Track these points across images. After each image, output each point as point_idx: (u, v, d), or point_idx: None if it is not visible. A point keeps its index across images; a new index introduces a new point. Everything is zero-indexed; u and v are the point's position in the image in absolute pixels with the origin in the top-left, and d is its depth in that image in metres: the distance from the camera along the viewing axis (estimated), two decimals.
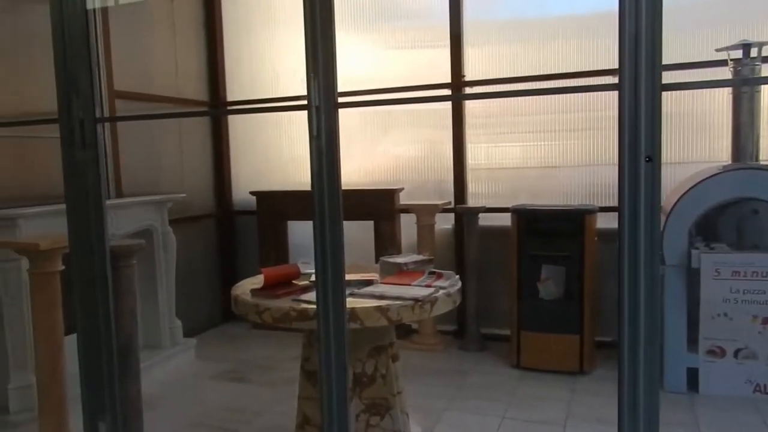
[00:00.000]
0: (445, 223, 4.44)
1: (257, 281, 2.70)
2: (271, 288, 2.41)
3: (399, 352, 2.68)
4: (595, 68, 3.95)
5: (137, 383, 2.62)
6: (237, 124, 5.06)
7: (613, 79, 3.88)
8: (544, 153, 4.22)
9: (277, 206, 4.77)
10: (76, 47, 2.17)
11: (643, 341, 1.67)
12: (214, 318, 4.95)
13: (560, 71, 4.02)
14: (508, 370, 3.73)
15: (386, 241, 4.42)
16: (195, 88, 4.79)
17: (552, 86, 3.98)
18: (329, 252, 1.98)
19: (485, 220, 4.18)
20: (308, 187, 4.93)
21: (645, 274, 1.66)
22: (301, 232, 4.94)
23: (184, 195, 4.22)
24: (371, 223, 4.54)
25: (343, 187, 4.80)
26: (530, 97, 4.23)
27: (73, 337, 2.82)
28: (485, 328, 4.19)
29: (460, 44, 4.26)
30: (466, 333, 4.14)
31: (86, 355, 2.33)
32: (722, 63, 3.40)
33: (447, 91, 4.30)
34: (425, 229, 4.17)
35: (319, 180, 1.96)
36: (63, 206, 3.23)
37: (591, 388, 3.42)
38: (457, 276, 2.65)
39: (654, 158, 1.58)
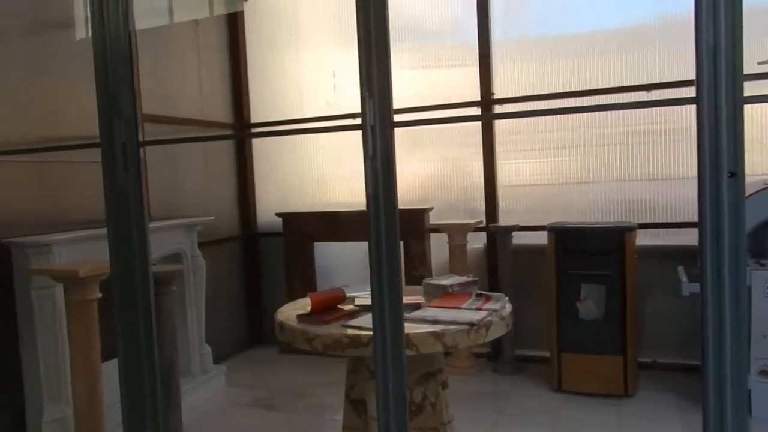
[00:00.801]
0: (475, 242, 4.36)
1: (299, 306, 2.63)
2: (318, 314, 2.33)
3: (448, 378, 2.59)
4: (635, 83, 3.89)
5: (178, 413, 2.54)
6: (261, 145, 5.02)
7: (647, 95, 3.85)
8: (577, 169, 4.15)
9: (304, 228, 4.71)
10: (118, 69, 2.13)
11: (730, 366, 1.58)
12: (241, 342, 4.87)
13: (599, 86, 3.95)
14: (548, 393, 3.62)
15: (416, 261, 4.34)
16: (220, 110, 4.76)
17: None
18: (386, 276, 1.90)
19: (518, 238, 4.10)
20: (334, 208, 4.90)
21: (730, 294, 1.57)
22: (327, 254, 4.87)
23: (212, 218, 4.17)
24: (400, 243, 4.46)
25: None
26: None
27: (108, 364, 2.76)
28: (519, 350, 4.08)
29: (489, 62, 4.22)
30: (501, 355, 4.04)
31: (128, 384, 2.25)
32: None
33: (476, 110, 4.25)
34: (457, 248, 4.09)
35: (375, 201, 1.88)
36: (96, 231, 3.20)
37: (638, 412, 3.30)
38: (506, 298, 2.56)
39: (737, 173, 1.51)
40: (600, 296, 3.60)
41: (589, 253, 3.58)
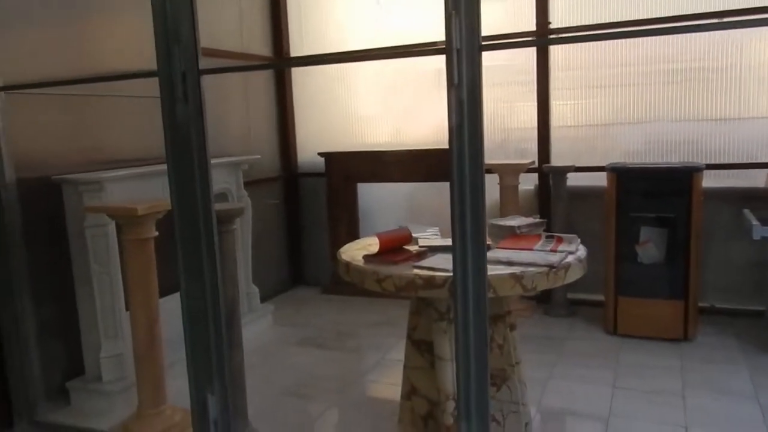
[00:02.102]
0: (526, 183, 4.21)
1: (361, 246, 2.54)
2: (386, 254, 2.24)
3: (516, 320, 2.50)
4: (699, 11, 3.62)
5: (240, 352, 2.51)
6: (301, 82, 4.85)
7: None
8: (636, 108, 3.94)
9: (347, 168, 4.59)
10: None
11: None
12: (284, 283, 4.85)
13: (665, 15, 3.69)
14: (604, 337, 3.54)
15: None
16: (259, 44, 4.58)
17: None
18: (469, 214, 1.79)
19: (572, 179, 3.94)
20: (378, 148, 4.73)
21: None
22: (369, 195, 4.77)
23: (258, 156, 4.07)
24: (447, 184, 4.33)
25: (418, 147, 4.59)
26: (620, 47, 3.93)
27: (164, 300, 2.73)
28: (571, 293, 3.99)
29: None
30: (553, 298, 3.95)
31: (192, 324, 2.20)
32: None
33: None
34: (508, 190, 3.95)
35: (459, 134, 1.75)
36: (147, 169, 3.12)
37: (700, 355, 3.22)
38: (579, 239, 2.44)
39: None
40: (661, 239, 3.47)
41: (653, 194, 3.43)
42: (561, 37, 3.96)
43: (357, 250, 2.45)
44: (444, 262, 2.14)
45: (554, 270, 2.07)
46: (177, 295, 2.97)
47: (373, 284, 2.14)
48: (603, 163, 3.83)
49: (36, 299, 2.82)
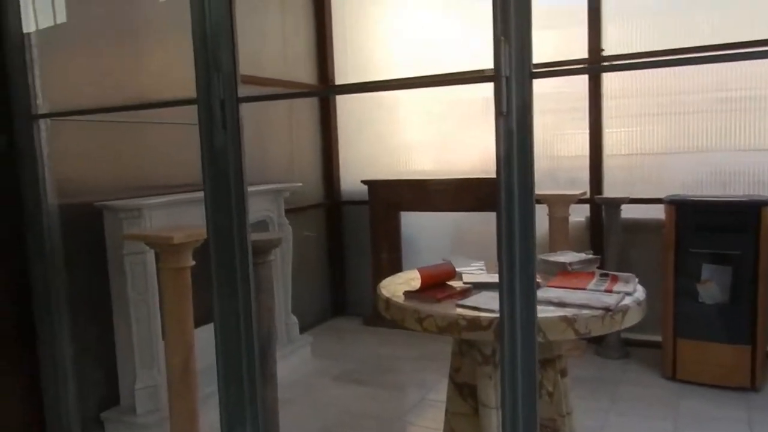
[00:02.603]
0: (576, 215, 4.03)
1: (402, 281, 2.42)
2: (427, 290, 2.12)
3: (568, 366, 2.33)
4: (758, 38, 3.42)
5: (274, 388, 2.41)
6: (345, 108, 4.81)
7: None
8: (695, 136, 3.73)
9: (390, 196, 4.50)
10: (218, 21, 1.94)
11: None
12: (324, 312, 4.76)
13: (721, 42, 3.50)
14: (662, 382, 3.30)
15: None
16: (304, 71, 4.57)
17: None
18: (518, 250, 1.65)
19: (627, 212, 3.74)
20: (421, 176, 4.61)
21: None
22: (413, 224, 4.65)
23: (300, 184, 4.02)
24: (494, 214, 4.18)
25: (463, 176, 4.46)
26: (676, 75, 3.75)
27: (200, 330, 2.66)
28: (625, 333, 3.76)
29: (599, 15, 3.81)
30: (606, 338, 3.73)
31: (225, 357, 2.11)
32: None
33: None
34: (558, 221, 3.78)
35: (507, 165, 1.62)
36: (187, 196, 3.10)
37: None
38: (636, 279, 2.27)
39: None
40: (725, 278, 3.23)
41: (716, 229, 3.20)
42: (618, 64, 3.81)
43: (398, 285, 2.34)
44: (490, 302, 2.00)
45: (610, 313, 1.91)
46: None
47: (413, 323, 2.02)
48: (658, 195, 3.63)
49: (74, 326, 2.79)
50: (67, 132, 2.78)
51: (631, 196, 3.69)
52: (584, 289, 2.15)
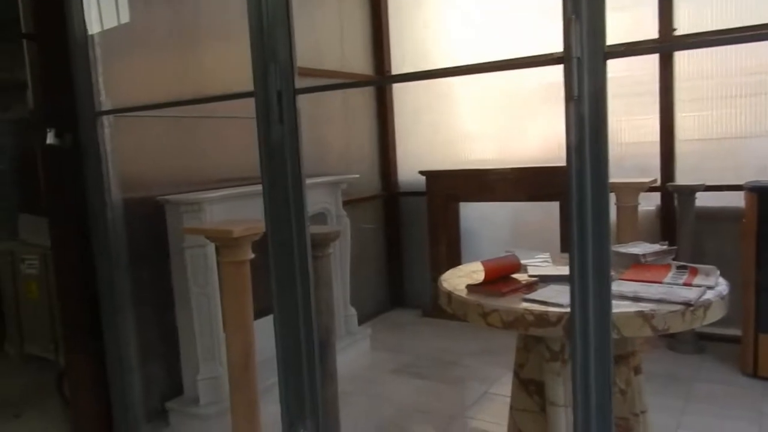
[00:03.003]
0: (646, 204, 3.84)
1: (463, 273, 2.35)
2: (492, 284, 2.03)
3: (642, 363, 2.21)
4: None
5: (334, 384, 2.38)
6: (402, 99, 4.74)
7: None
8: None
9: (448, 187, 4.41)
10: (275, 11, 1.90)
11: None
12: (382, 304, 4.72)
13: None
14: (741, 380, 3.11)
15: None
16: (360, 62, 4.52)
17: None
18: (591, 243, 1.55)
19: (700, 200, 3.53)
20: (480, 166, 4.49)
21: None
22: (472, 215, 4.55)
23: (357, 176, 3.98)
24: (556, 204, 4.05)
25: (523, 165, 4.31)
26: (754, 53, 3.49)
27: (260, 321, 2.67)
28: (701, 327, 3.55)
29: None
30: (679, 332, 3.53)
31: (285, 354, 2.09)
32: None
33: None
34: (627, 210, 3.60)
35: (579, 153, 1.53)
36: (245, 189, 3.10)
37: None
38: (718, 271, 2.12)
39: None
40: None
41: None
42: (695, 41, 3.58)
43: (460, 278, 2.26)
44: (558, 296, 1.90)
45: (691, 308, 1.78)
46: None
47: (476, 318, 1.94)
48: (737, 181, 3.40)
49: (138, 319, 2.84)
50: (129, 128, 2.82)
51: (707, 184, 3.48)
52: (660, 282, 2.02)
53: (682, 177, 3.69)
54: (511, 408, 2.35)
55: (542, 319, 1.80)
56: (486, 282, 2.04)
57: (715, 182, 3.53)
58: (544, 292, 1.95)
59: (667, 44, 3.64)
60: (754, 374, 3.11)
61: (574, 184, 1.55)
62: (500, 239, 4.43)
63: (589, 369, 1.57)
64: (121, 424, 2.86)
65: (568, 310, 1.83)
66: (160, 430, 2.90)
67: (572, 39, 1.47)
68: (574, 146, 1.53)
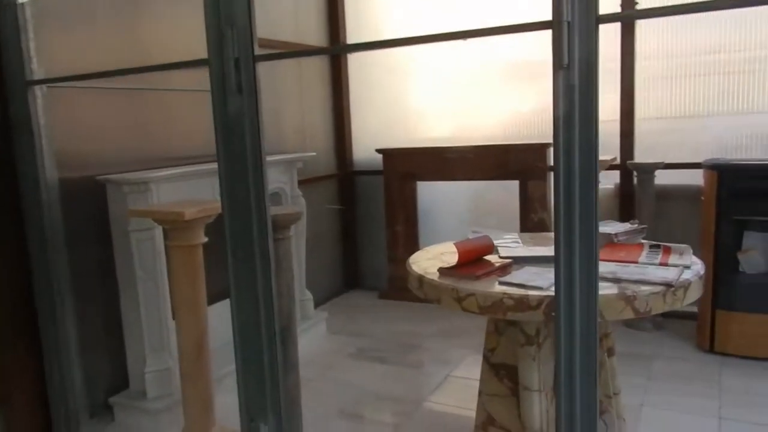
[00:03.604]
0: (604, 182, 3.83)
1: (432, 255, 2.24)
2: (465, 267, 1.93)
3: (615, 344, 2.16)
4: None
5: (296, 374, 2.24)
6: (357, 75, 4.57)
7: None
8: (732, 98, 3.49)
9: (406, 165, 4.30)
10: None
11: None
12: (338, 287, 4.59)
13: None
14: (699, 356, 3.14)
15: (536, 205, 3.86)
16: (314, 33, 4.32)
17: None
18: (578, 222, 1.45)
19: (659, 178, 3.53)
20: (439, 143, 4.37)
21: None
22: (430, 194, 4.46)
23: (314, 153, 3.82)
24: (515, 183, 4.00)
25: (483, 143, 4.21)
26: (713, 32, 3.49)
27: (212, 308, 2.50)
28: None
29: None
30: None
31: (243, 344, 1.94)
32: None
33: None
34: None
35: (567, 125, 1.42)
36: (197, 168, 2.90)
37: None
38: (691, 249, 2.08)
39: None
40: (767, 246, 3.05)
41: (759, 195, 3.00)
42: (693, 5, 3.55)
43: (429, 260, 2.15)
44: (536, 278, 1.82)
45: (672, 289, 1.72)
46: (228, 302, 2.75)
47: (451, 302, 1.84)
48: (695, 160, 3.42)
49: (78, 306, 2.62)
50: (66, 101, 2.57)
51: (666, 161, 3.48)
52: (636, 262, 1.96)
53: (642, 155, 3.68)
54: (481, 393, 2.28)
55: (522, 303, 1.71)
56: (459, 265, 1.94)
57: (674, 160, 3.54)
58: (520, 275, 1.87)
59: (661, 8, 3.60)
60: (711, 350, 3.15)
61: (561, 158, 1.45)
62: (459, 219, 4.36)
63: (574, 356, 1.48)
64: (60, 422, 2.65)
65: (549, 293, 1.76)
66: (104, 427, 2.70)
67: (563, 1, 1.36)
68: (562, 117, 1.42)
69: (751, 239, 3.06)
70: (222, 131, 1.83)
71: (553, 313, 1.73)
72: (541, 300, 1.69)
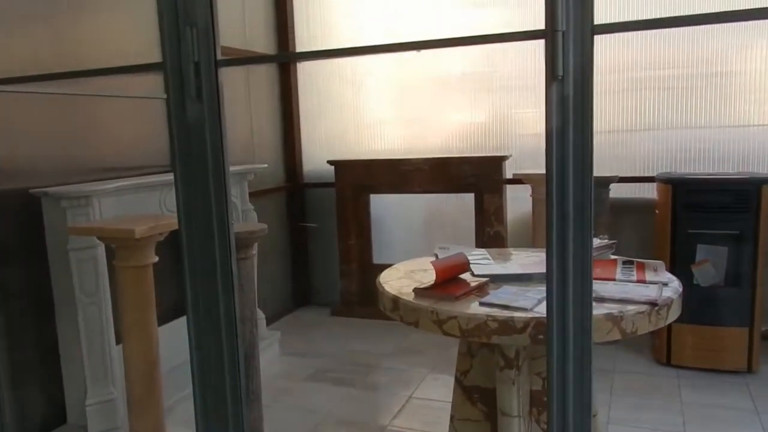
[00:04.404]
0: None
1: (403, 274, 2.13)
2: (442, 287, 1.83)
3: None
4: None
5: (259, 404, 2.08)
6: (307, 85, 4.44)
7: None
8: (686, 113, 3.56)
9: (359, 177, 4.19)
10: None
11: None
12: (287, 304, 4.42)
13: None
14: (657, 369, 3.16)
15: (492, 218, 3.83)
16: (263, 40, 4.16)
17: None
18: (572, 239, 1.39)
19: (614, 191, 3.56)
20: (392, 156, 4.27)
21: None
22: (383, 207, 4.36)
23: (265, 165, 3.65)
24: (470, 195, 3.95)
25: (438, 155, 4.14)
26: (664, 48, 3.57)
27: (161, 329, 2.31)
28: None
29: None
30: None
31: (203, 374, 1.77)
32: None
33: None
34: (543, 203, 3.54)
35: (561, 138, 1.35)
36: (142, 180, 2.70)
37: None
38: (664, 264, 2.06)
39: None
40: (721, 259, 3.10)
41: (714, 209, 3.05)
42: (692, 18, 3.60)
43: (400, 279, 2.04)
44: (518, 298, 1.74)
45: (656, 308, 1.68)
46: (177, 322, 2.56)
47: (430, 326, 1.73)
48: (646, 173, 3.47)
49: (9, 333, 2.37)
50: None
51: (620, 175, 3.52)
52: (614, 279, 1.92)
53: (596, 169, 3.69)
54: (453, 417, 2.18)
55: (507, 326, 1.62)
56: (437, 285, 1.84)
57: (626, 174, 3.58)
58: (500, 295, 1.79)
59: (659, 19, 3.64)
60: (668, 363, 3.17)
61: (554, 172, 1.37)
62: (413, 232, 4.28)
63: (567, 383, 1.41)
64: None
65: (534, 314, 1.69)
66: None
67: (558, 10, 1.29)
68: (555, 130, 1.35)
69: (704, 252, 3.11)
70: (180, 140, 1.66)
71: (540, 336, 1.67)
72: (527, 322, 1.61)
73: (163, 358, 2.34)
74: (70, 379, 2.52)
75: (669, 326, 3.17)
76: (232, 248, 1.70)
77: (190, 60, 1.60)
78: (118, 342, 2.42)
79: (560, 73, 1.31)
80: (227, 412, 1.75)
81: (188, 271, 1.71)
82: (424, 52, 4.10)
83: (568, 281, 1.38)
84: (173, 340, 2.67)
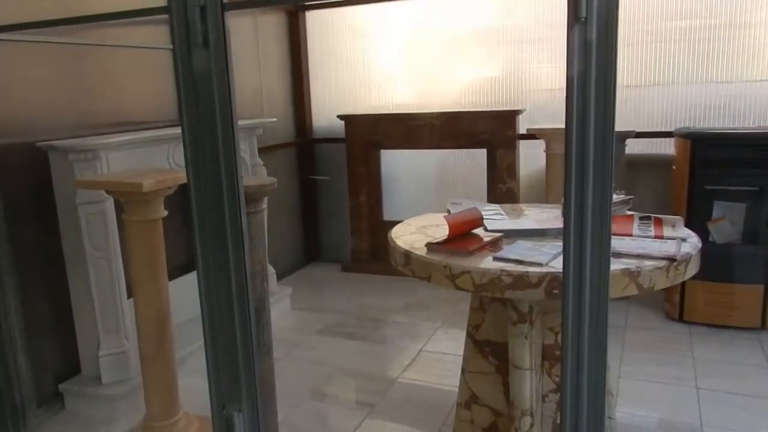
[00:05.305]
0: None
1: (414, 229, 2.10)
2: (455, 242, 1.80)
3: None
4: None
5: (270, 357, 2.09)
6: (317, 37, 4.34)
7: None
8: (706, 66, 3.45)
9: (370, 132, 4.13)
10: None
11: None
12: (299, 260, 4.42)
13: None
14: (670, 325, 3.15)
15: (504, 174, 3.77)
16: None
17: None
18: (591, 193, 1.34)
19: (629, 147, 3.49)
20: (403, 110, 4.19)
21: None
22: (394, 163, 4.31)
23: (274, 119, 3.60)
24: (483, 151, 3.89)
25: (450, 110, 4.07)
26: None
27: (172, 283, 2.31)
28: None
29: None
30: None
31: (214, 327, 1.76)
32: None
33: None
34: (556, 158, 3.50)
35: (583, 85, 1.29)
36: (151, 134, 2.66)
37: None
38: (682, 220, 2.01)
39: None
40: (738, 216, 3.04)
41: (734, 164, 2.98)
42: None
43: (412, 234, 2.01)
44: (533, 254, 1.71)
45: (675, 264, 1.64)
46: (188, 277, 2.56)
47: (442, 280, 1.71)
48: (663, 128, 3.39)
49: (22, 287, 2.38)
50: (4, 57, 2.29)
51: (637, 130, 3.43)
52: (631, 235, 1.88)
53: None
54: (464, 370, 2.18)
55: (521, 281, 1.60)
56: (449, 239, 1.81)
57: (644, 129, 3.50)
58: (514, 250, 1.75)
59: None
60: (680, 319, 3.16)
61: (575, 123, 1.31)
62: (424, 189, 4.24)
63: (582, 338, 1.38)
64: (3, 411, 2.42)
65: (549, 269, 1.66)
66: (54, 416, 2.49)
67: None
68: (576, 77, 1.29)
69: (721, 209, 3.05)
70: (185, 91, 1.61)
71: (555, 291, 1.64)
72: (542, 277, 1.58)
73: (175, 312, 2.35)
74: (83, 331, 2.54)
75: (683, 283, 3.14)
76: (241, 202, 1.66)
77: (195, 4, 1.54)
78: (129, 296, 2.43)
79: (583, 14, 1.24)
80: (238, 363, 1.75)
81: (197, 225, 1.69)
82: (436, 4, 3.98)
83: (585, 236, 1.34)
84: (185, 293, 2.68)
